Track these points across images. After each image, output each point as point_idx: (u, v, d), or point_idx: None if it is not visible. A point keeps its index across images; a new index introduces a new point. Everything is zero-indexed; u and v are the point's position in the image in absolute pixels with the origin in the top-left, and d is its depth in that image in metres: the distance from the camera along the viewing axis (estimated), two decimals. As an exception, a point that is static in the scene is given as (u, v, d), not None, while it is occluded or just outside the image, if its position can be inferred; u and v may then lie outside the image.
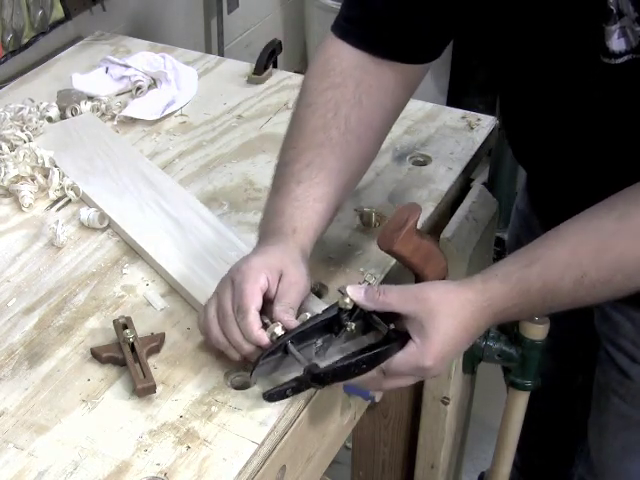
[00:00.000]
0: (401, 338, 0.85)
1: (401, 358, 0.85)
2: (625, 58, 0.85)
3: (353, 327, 0.87)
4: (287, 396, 0.85)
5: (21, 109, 1.31)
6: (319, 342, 0.88)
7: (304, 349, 0.86)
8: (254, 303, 0.86)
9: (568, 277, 0.84)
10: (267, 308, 0.88)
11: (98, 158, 1.24)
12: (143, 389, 0.87)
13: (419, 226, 0.95)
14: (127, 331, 0.92)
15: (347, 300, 0.86)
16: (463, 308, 0.85)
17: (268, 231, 0.95)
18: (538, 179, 1.15)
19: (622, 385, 1.22)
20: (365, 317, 0.87)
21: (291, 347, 0.85)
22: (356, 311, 0.87)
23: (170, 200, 1.15)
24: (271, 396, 0.84)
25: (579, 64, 0.90)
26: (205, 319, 0.89)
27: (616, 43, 0.85)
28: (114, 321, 0.95)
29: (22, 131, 1.27)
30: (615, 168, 0.91)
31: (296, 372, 0.86)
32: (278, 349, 0.85)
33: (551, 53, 0.92)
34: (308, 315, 0.88)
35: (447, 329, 0.84)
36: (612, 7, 0.82)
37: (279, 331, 0.85)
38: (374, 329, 0.88)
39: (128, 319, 0.95)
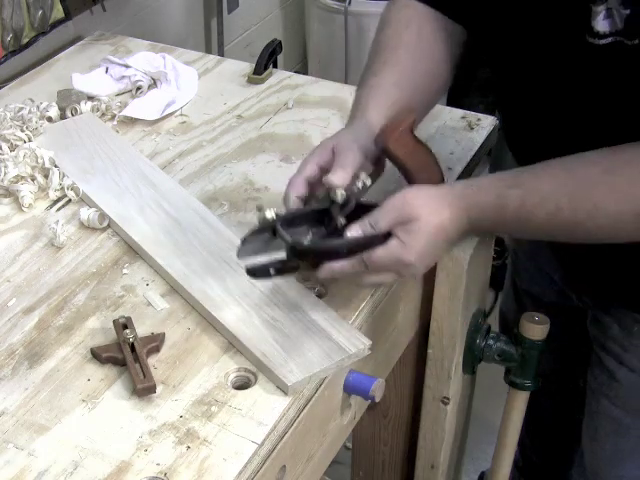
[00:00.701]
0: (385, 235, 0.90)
1: (383, 250, 0.89)
2: (609, 40, 0.86)
3: (342, 221, 0.92)
4: (270, 275, 0.90)
5: (21, 109, 1.31)
6: (309, 232, 0.93)
7: (294, 236, 0.91)
8: (302, 172, 0.96)
9: (544, 208, 0.90)
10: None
11: (98, 158, 1.24)
12: (143, 389, 0.87)
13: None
14: (127, 331, 0.92)
15: (339, 193, 0.91)
16: (442, 209, 0.90)
17: (348, 121, 1.05)
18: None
19: (611, 388, 1.22)
20: (355, 213, 0.92)
21: (279, 227, 0.90)
22: (347, 205, 0.92)
23: (170, 200, 1.15)
24: (254, 271, 0.90)
25: (566, 43, 0.91)
26: None
27: (601, 24, 0.85)
28: (114, 321, 0.95)
29: (22, 131, 1.27)
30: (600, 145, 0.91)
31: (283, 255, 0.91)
32: (265, 229, 0.91)
33: (540, 31, 0.94)
34: (363, 177, 0.93)
35: (428, 229, 0.89)
36: None
37: (269, 214, 0.91)
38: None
39: (128, 319, 0.95)
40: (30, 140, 1.25)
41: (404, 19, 1.08)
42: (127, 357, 0.90)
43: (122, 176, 1.20)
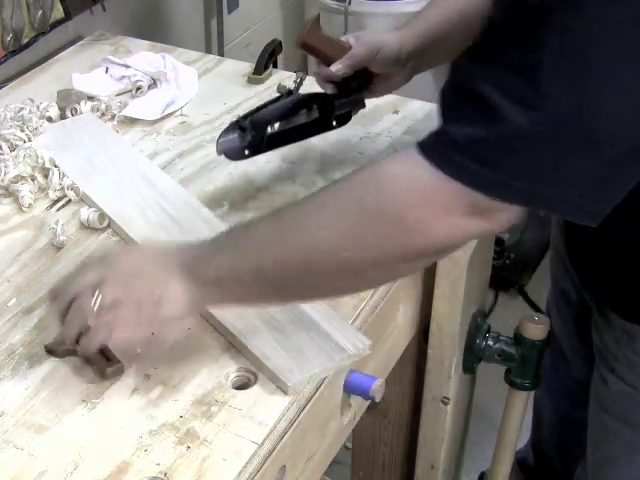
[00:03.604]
0: None
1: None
2: None
3: (306, 113, 1.14)
4: (245, 156, 1.11)
5: (21, 109, 1.31)
6: (276, 125, 1.12)
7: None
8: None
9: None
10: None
11: (98, 158, 1.24)
12: (114, 371, 0.88)
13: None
14: None
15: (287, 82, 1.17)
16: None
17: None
18: None
19: (602, 394, 1.22)
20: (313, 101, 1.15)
21: (242, 121, 1.09)
22: (313, 105, 1.14)
23: (170, 200, 1.15)
24: (224, 149, 1.08)
25: None
26: None
27: None
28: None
29: (22, 131, 1.27)
30: None
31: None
32: (233, 127, 1.10)
33: None
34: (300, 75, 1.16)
35: None
36: None
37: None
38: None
39: None
40: (30, 140, 1.25)
41: None
42: None
43: (122, 176, 1.20)
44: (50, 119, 1.33)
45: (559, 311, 1.41)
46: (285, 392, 0.88)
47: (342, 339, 0.94)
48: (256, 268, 0.81)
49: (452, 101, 0.77)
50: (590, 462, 1.32)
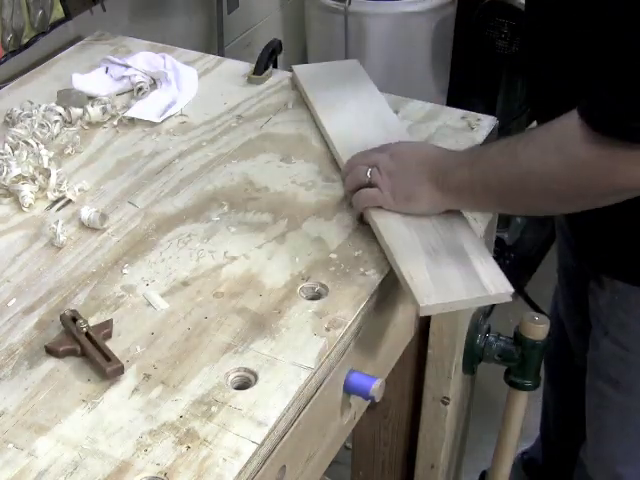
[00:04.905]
0: None
1: None
2: None
3: None
4: None
5: (25, 108, 1.32)
6: None
7: None
8: None
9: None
10: None
11: (345, 96, 1.35)
12: (113, 370, 0.88)
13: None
14: (80, 321, 0.93)
15: None
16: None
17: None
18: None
19: (596, 359, 1.28)
20: None
21: None
22: None
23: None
24: None
25: None
26: None
27: None
28: (61, 316, 0.96)
29: (27, 131, 1.27)
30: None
31: None
32: None
33: None
34: None
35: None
36: None
37: None
38: None
39: (74, 311, 0.96)
40: (38, 140, 1.25)
41: None
42: (86, 346, 0.91)
43: (359, 113, 1.30)
44: (57, 121, 1.33)
45: (562, 290, 1.49)
46: (417, 312, 0.96)
47: (487, 280, 0.98)
48: (485, 185, 1.01)
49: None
50: (589, 437, 1.34)
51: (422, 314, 0.96)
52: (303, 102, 1.39)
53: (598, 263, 1.23)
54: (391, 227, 1.06)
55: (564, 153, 0.94)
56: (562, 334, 1.51)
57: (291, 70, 1.46)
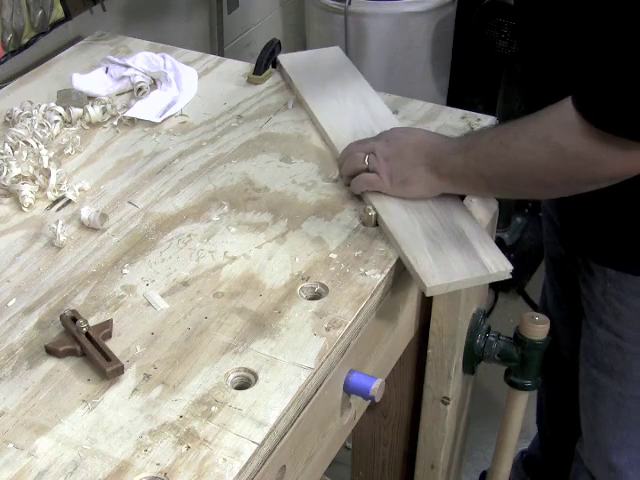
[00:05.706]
0: None
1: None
2: None
3: None
4: None
5: (25, 108, 1.31)
6: None
7: None
8: None
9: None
10: None
11: (331, 82, 1.40)
12: (113, 371, 0.88)
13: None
14: (80, 321, 0.93)
15: None
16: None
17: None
18: None
19: (590, 348, 1.28)
20: None
21: None
22: None
23: (383, 126, 1.25)
24: None
25: None
26: None
27: None
28: (61, 316, 0.96)
29: (27, 131, 1.27)
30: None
31: None
32: None
33: None
34: None
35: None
36: None
37: None
38: None
39: (74, 311, 0.96)
40: (37, 140, 1.25)
41: None
42: (86, 346, 0.91)
43: (347, 98, 1.36)
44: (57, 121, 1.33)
45: (550, 282, 1.50)
46: (424, 293, 1.01)
47: (487, 260, 1.04)
48: (477, 171, 1.05)
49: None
50: (584, 427, 1.35)
51: (428, 294, 1.01)
52: (302, 102, 1.39)
53: (586, 248, 1.24)
54: (391, 212, 1.11)
55: (553, 143, 0.97)
56: (552, 327, 1.52)
57: (291, 70, 1.47)
